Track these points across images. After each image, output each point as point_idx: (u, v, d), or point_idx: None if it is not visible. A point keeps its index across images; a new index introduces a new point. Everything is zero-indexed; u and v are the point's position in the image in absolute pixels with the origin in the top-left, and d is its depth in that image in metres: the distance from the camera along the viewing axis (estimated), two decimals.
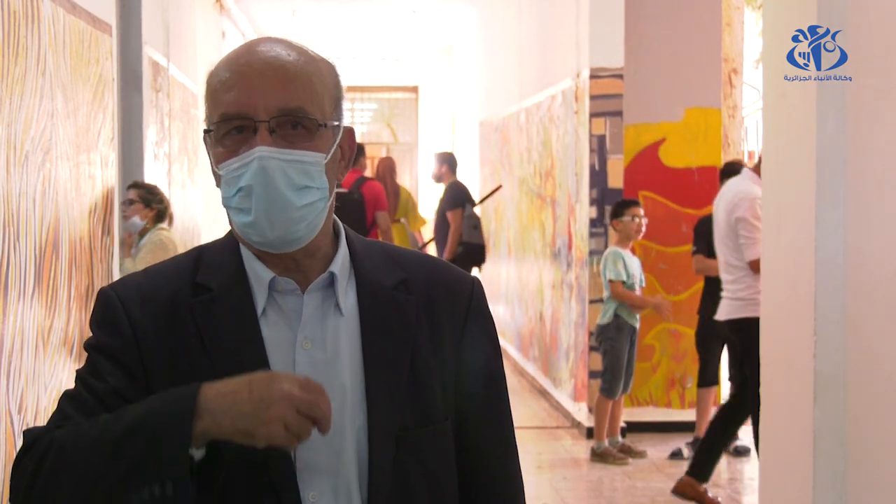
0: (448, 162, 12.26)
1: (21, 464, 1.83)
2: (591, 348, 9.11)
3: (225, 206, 1.90)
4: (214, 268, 1.96)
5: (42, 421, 4.03)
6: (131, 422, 1.77)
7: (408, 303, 1.99)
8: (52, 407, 4.21)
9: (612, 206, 8.53)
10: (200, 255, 2.00)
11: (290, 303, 1.93)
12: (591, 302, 9.11)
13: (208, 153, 1.96)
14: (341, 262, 1.97)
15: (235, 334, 1.90)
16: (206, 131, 1.93)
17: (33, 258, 4.03)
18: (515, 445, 2.11)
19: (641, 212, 8.41)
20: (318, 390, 1.75)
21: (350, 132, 1.98)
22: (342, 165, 1.97)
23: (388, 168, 12.54)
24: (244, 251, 1.96)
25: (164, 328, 1.91)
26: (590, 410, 9.13)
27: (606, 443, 8.39)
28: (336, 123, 1.94)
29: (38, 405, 4.02)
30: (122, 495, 1.74)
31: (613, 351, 8.28)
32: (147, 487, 1.73)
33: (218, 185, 1.96)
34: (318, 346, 1.92)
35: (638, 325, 8.44)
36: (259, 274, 1.93)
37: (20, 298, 3.86)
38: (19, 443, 3.80)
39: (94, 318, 1.96)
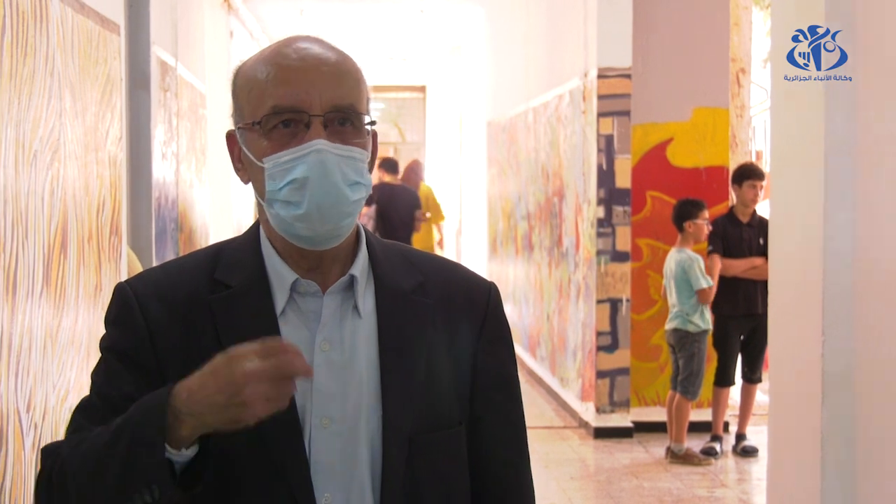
0: (382, 166, 14.42)
1: (37, 489, 1.86)
2: (600, 348, 9.11)
3: (268, 200, 1.90)
4: (234, 265, 1.96)
5: (49, 420, 4.04)
6: (112, 435, 1.77)
7: (425, 307, 1.99)
8: (60, 406, 4.21)
9: (678, 206, 8.45)
10: (219, 252, 2.00)
11: (310, 304, 1.93)
12: (599, 302, 9.10)
13: (237, 149, 1.96)
14: (361, 265, 1.97)
15: (254, 333, 1.87)
16: (239, 127, 1.94)
17: (41, 257, 4.04)
18: (528, 451, 2.12)
19: (707, 214, 8.42)
20: (280, 349, 1.71)
21: (374, 133, 2.00)
22: (370, 165, 1.98)
23: (411, 170, 15.50)
24: (266, 250, 1.96)
25: (181, 326, 1.91)
26: (597, 410, 9.13)
27: (685, 445, 8.35)
28: (372, 123, 1.97)
29: (46, 404, 4.02)
30: None
31: (700, 354, 8.28)
32: (137, 496, 1.73)
33: (245, 181, 1.97)
34: (336, 347, 1.92)
35: None
36: (281, 274, 1.93)
37: (28, 298, 3.86)
38: (28, 442, 3.81)
39: (109, 314, 1.96)
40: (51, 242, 4.17)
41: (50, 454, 1.86)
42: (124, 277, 5.28)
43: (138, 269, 6.17)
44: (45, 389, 4.04)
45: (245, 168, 1.96)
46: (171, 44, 8.34)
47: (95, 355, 1.98)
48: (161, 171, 7.72)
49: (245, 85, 1.93)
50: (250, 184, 1.96)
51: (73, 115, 4.56)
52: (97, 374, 1.94)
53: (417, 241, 14.94)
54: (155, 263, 7.14)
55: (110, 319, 1.95)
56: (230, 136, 1.98)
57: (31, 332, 3.89)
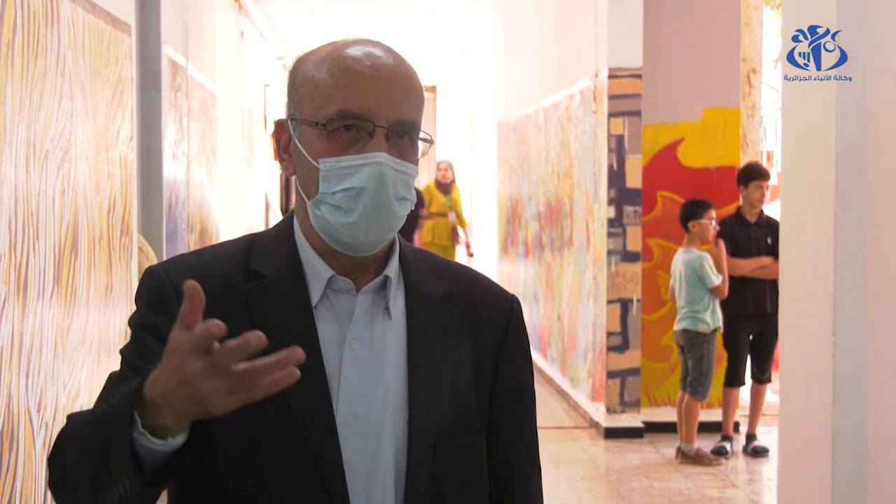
0: None
1: (52, 454, 1.84)
2: (610, 349, 9.10)
3: (317, 201, 1.89)
4: (268, 256, 1.95)
5: (60, 420, 4.05)
6: (95, 424, 1.75)
7: (452, 314, 2.00)
8: (71, 406, 4.22)
9: (684, 206, 8.43)
10: (252, 243, 1.99)
11: (343, 301, 1.93)
12: (609, 302, 9.10)
13: (286, 139, 1.95)
14: (395, 268, 1.98)
15: (290, 323, 1.89)
16: (293, 119, 1.93)
17: (52, 258, 4.05)
18: (539, 461, 2.13)
19: (714, 214, 8.38)
20: (208, 335, 1.59)
21: None
22: None
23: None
24: (301, 244, 1.96)
25: (215, 313, 1.88)
26: (608, 411, 9.12)
27: (695, 446, 8.34)
28: (430, 141, 1.96)
29: (56, 404, 4.03)
30: (98, 496, 1.73)
31: (709, 354, 8.27)
32: (113, 486, 1.70)
33: (289, 174, 1.96)
34: (365, 347, 1.92)
35: None
36: (317, 269, 1.93)
37: (39, 298, 3.87)
38: (39, 441, 3.82)
39: (142, 296, 1.94)
40: (62, 243, 4.18)
41: (68, 423, 1.85)
42: (135, 278, 5.29)
43: (152, 258, 6.19)
44: (56, 389, 4.04)
45: (292, 160, 1.96)
46: (181, 44, 8.35)
47: (106, 355, 1.98)
48: (172, 171, 7.73)
49: (308, 81, 1.91)
50: (284, 178, 1.95)
51: (84, 115, 4.57)
52: (128, 349, 1.92)
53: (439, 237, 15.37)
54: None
55: (144, 301, 1.93)
56: (279, 125, 1.98)
57: (41, 332, 3.89)
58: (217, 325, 1.59)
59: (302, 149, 1.91)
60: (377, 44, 1.94)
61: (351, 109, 1.86)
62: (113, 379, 1.91)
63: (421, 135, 1.93)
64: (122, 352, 1.94)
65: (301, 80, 1.93)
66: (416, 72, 1.95)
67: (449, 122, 23.82)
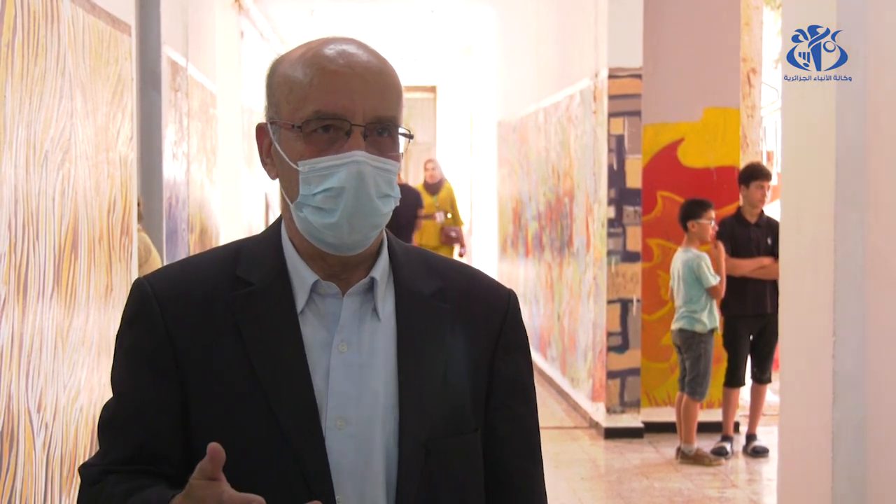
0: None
1: None
2: (610, 349, 9.10)
3: (298, 204, 1.89)
4: (255, 262, 1.95)
5: (60, 420, 4.05)
6: None
7: (444, 312, 1.98)
8: (71, 406, 4.21)
9: (683, 206, 8.43)
10: (240, 249, 1.98)
11: (329, 305, 1.92)
12: (609, 302, 9.09)
13: (267, 143, 1.94)
14: (382, 268, 1.96)
15: (275, 330, 1.89)
16: (272, 122, 1.92)
17: (52, 258, 4.05)
18: (541, 459, 2.11)
19: (714, 214, 8.37)
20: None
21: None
22: None
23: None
24: (287, 249, 1.95)
25: (200, 323, 1.90)
26: (608, 411, 9.12)
27: (695, 446, 8.33)
28: (410, 136, 1.96)
29: (56, 404, 4.03)
30: None
31: (707, 354, 8.26)
32: None
33: (273, 177, 1.96)
34: (353, 349, 1.91)
35: None
36: (302, 274, 1.92)
37: (39, 298, 3.87)
38: (38, 442, 3.82)
39: (127, 311, 1.95)
40: (61, 243, 4.18)
41: (86, 491, 1.90)
42: (134, 278, 5.29)
43: (155, 256, 6.19)
44: (56, 390, 4.04)
45: (274, 164, 1.95)
46: (181, 44, 8.35)
47: (107, 355, 1.99)
48: (172, 171, 7.73)
49: (284, 83, 1.91)
50: (276, 180, 1.96)
51: (84, 115, 4.57)
52: (117, 378, 1.94)
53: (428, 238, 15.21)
54: (166, 263, 7.15)
55: (128, 317, 1.94)
56: (260, 129, 1.97)
57: (41, 332, 3.89)
58: (261, 502, 1.66)
59: (282, 152, 1.90)
60: (351, 41, 1.93)
61: (326, 110, 1.85)
62: (106, 426, 1.94)
63: (400, 130, 1.92)
64: (112, 377, 1.96)
65: (277, 82, 1.92)
66: (393, 67, 1.94)
67: (449, 122, 23.81)
